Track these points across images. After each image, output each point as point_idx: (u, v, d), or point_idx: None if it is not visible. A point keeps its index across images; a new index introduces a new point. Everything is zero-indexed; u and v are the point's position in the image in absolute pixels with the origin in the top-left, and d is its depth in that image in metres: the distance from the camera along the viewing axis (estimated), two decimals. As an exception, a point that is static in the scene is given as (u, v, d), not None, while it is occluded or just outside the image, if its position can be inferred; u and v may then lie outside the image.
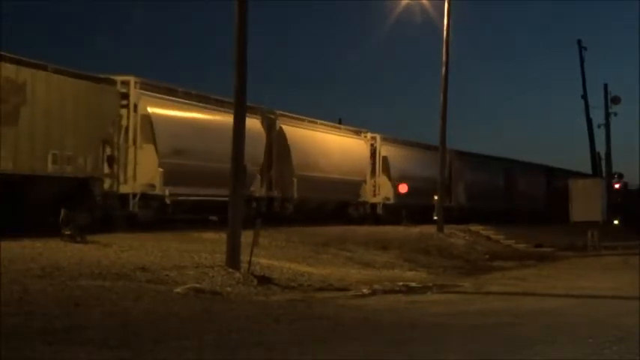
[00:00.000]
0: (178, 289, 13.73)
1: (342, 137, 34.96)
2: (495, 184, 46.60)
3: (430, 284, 18.26)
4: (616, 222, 47.02)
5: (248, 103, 28.64)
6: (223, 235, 17.44)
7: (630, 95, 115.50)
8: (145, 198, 23.12)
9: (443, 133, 33.39)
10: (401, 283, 17.84)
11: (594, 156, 56.20)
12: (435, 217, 33.63)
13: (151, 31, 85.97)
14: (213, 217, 25.82)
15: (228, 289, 14.68)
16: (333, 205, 34.10)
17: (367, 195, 35.63)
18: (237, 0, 16.86)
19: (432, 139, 39.52)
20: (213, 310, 12.05)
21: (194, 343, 9.14)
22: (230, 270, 15.97)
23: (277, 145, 29.96)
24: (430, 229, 32.08)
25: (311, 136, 32.49)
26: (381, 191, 36.27)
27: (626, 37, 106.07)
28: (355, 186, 34.77)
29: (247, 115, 27.93)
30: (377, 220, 34.95)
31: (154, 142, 23.33)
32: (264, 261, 17.95)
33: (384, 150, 36.84)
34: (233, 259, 16.32)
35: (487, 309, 13.63)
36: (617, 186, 54.70)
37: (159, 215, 23.83)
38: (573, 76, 70.93)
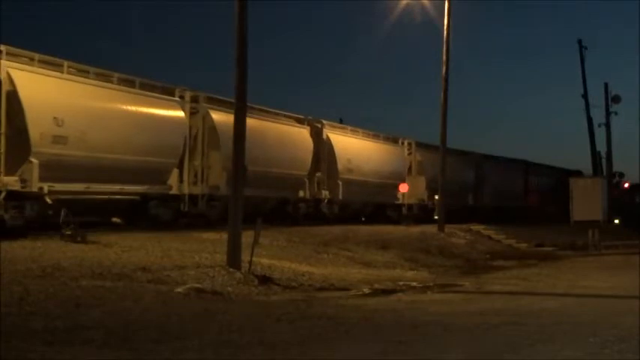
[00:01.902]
0: (179, 289, 13.73)
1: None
2: (464, 179, 43.87)
3: (431, 284, 18.27)
4: (617, 221, 47.01)
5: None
6: (224, 235, 17.44)
7: (630, 94, 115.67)
8: (15, 197, 18.74)
9: (443, 133, 33.39)
10: (402, 283, 17.85)
11: (595, 155, 56.14)
12: (436, 217, 33.65)
13: (150, 30, 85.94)
14: (117, 220, 23.89)
15: (229, 288, 14.69)
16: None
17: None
18: (238, 0, 16.87)
19: (432, 138, 39.71)
20: (214, 309, 12.05)
21: (195, 343, 9.14)
22: (231, 270, 15.98)
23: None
24: (431, 228, 32.10)
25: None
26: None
27: (626, 37, 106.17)
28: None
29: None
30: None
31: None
32: (265, 261, 17.95)
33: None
34: (234, 259, 16.33)
35: (488, 308, 13.62)
36: (626, 185, 54.89)
37: (37, 218, 19.47)
38: (573, 76, 70.93)
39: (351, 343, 9.72)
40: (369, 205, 36.16)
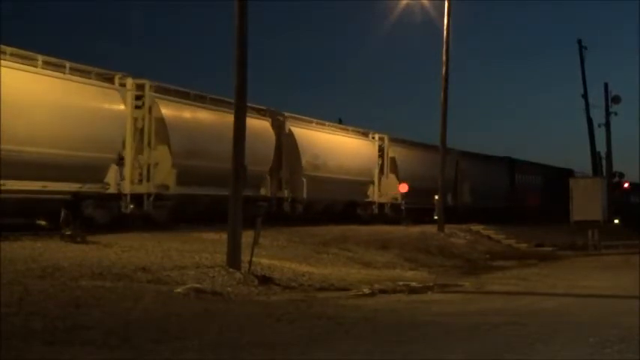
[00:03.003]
0: (179, 290, 13.73)
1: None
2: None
3: (431, 284, 18.26)
4: (616, 221, 47.01)
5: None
6: (224, 236, 17.44)
7: (630, 95, 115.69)
8: None
9: (443, 133, 33.40)
10: (402, 283, 17.84)
11: (594, 155, 56.14)
12: (436, 217, 33.65)
13: (150, 30, 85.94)
14: (42, 222, 20.65)
15: (229, 289, 14.68)
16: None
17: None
18: (238, 0, 16.87)
19: (432, 139, 39.32)
20: (214, 310, 12.04)
21: (195, 343, 9.14)
22: (231, 270, 15.97)
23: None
24: (431, 228, 32.10)
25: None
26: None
27: (626, 37, 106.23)
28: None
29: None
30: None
31: None
32: (265, 261, 17.95)
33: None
34: (234, 259, 16.33)
35: (488, 308, 13.63)
36: (626, 185, 54.84)
37: None
38: (573, 76, 70.91)
39: (351, 343, 9.72)
40: (338, 203, 33.65)
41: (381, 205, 36.09)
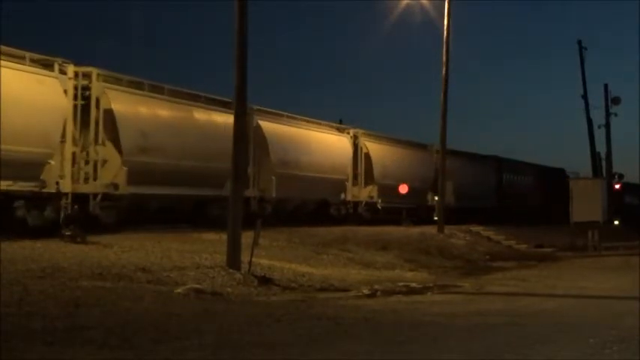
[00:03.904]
0: (179, 290, 13.73)
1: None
2: (421, 176, 38.91)
3: (431, 284, 18.27)
4: (616, 222, 47.04)
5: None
6: (224, 236, 17.45)
7: (630, 95, 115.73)
8: None
9: (443, 133, 33.41)
10: (401, 284, 17.85)
11: (594, 156, 56.14)
12: (436, 218, 33.66)
13: (150, 30, 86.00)
14: None
15: (229, 289, 14.69)
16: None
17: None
18: (238, 0, 16.88)
19: (432, 139, 39.03)
20: (214, 310, 12.05)
21: (194, 344, 9.13)
22: (230, 270, 15.98)
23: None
24: (431, 229, 32.10)
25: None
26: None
27: (626, 38, 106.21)
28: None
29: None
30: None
31: None
32: (264, 261, 17.95)
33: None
34: (233, 260, 16.34)
35: (487, 309, 13.63)
36: (617, 186, 54.69)
37: None
38: (573, 77, 70.93)
39: (351, 344, 9.72)
40: (310, 203, 31.55)
41: (356, 204, 34.18)
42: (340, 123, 37.11)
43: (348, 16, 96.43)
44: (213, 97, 26.34)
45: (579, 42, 55.86)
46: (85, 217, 20.50)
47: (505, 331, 10.92)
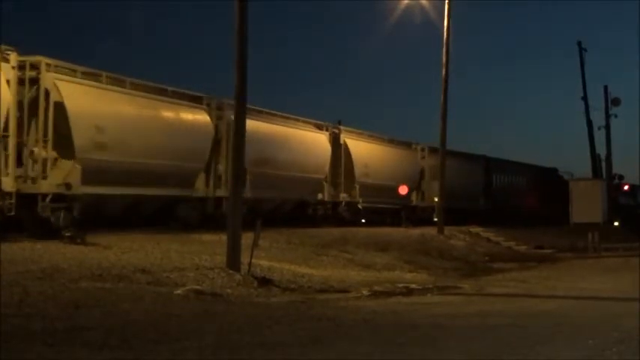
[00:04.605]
0: (178, 291, 13.73)
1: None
2: (404, 175, 37.18)
3: (430, 286, 18.28)
4: (616, 223, 47.04)
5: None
6: (223, 237, 17.44)
7: (630, 97, 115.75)
8: None
9: (443, 134, 33.42)
10: (401, 285, 17.86)
11: (594, 157, 56.15)
12: (436, 219, 33.65)
13: (149, 30, 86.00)
14: None
15: (229, 290, 14.69)
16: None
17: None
18: (238, 1, 16.88)
19: (432, 139, 38.63)
20: (214, 311, 12.04)
21: (194, 344, 9.13)
22: (230, 271, 15.98)
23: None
24: (430, 230, 32.12)
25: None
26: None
27: (626, 39, 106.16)
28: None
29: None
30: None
31: None
32: (264, 262, 17.95)
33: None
34: (233, 261, 16.34)
35: (487, 310, 13.63)
36: (626, 187, 54.70)
37: None
38: (573, 78, 70.94)
39: (350, 345, 9.72)
40: (287, 203, 29.99)
41: (335, 205, 32.65)
42: (339, 123, 36.84)
43: (348, 17, 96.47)
44: (181, 91, 25.07)
45: (579, 43, 55.91)
46: (33, 219, 19.12)
47: (505, 332, 10.92)
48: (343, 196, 32.85)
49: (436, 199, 34.81)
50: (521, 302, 15.64)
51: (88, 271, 14.36)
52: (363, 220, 34.08)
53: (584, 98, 55.41)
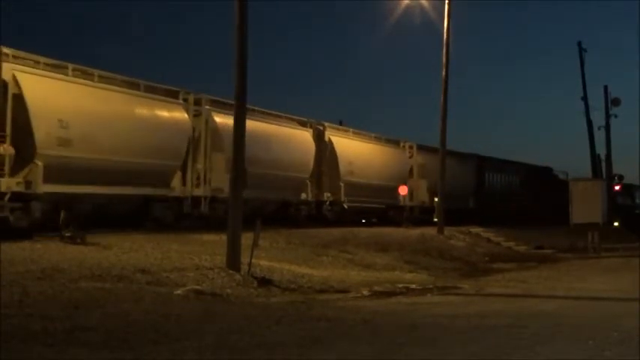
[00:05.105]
0: (178, 291, 13.73)
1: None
2: (390, 174, 36.08)
3: (430, 286, 18.27)
4: (616, 224, 47.01)
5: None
6: (224, 237, 17.44)
7: (630, 97, 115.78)
8: None
9: (443, 135, 33.41)
10: (401, 285, 17.86)
11: (594, 157, 56.16)
12: (436, 219, 33.62)
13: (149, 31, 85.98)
14: None
15: (229, 290, 14.68)
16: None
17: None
18: (238, 0, 16.88)
19: (432, 140, 38.54)
20: (214, 311, 12.04)
21: (194, 345, 9.13)
22: (230, 272, 15.98)
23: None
24: (430, 230, 32.11)
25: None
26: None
27: (626, 39, 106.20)
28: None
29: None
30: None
31: None
32: (264, 263, 17.95)
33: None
34: (233, 261, 16.34)
35: (487, 310, 13.62)
36: (617, 187, 54.66)
37: None
38: (573, 78, 70.92)
39: (350, 345, 9.72)
40: (270, 203, 28.57)
41: (319, 204, 31.49)
42: (340, 124, 36.70)
43: (348, 17, 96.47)
44: (156, 85, 23.80)
45: (579, 43, 55.95)
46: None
47: (505, 332, 10.91)
48: (327, 196, 31.78)
49: (436, 199, 34.75)
50: (521, 302, 15.63)
51: (88, 271, 14.36)
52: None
53: (584, 98, 55.44)
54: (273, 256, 19.94)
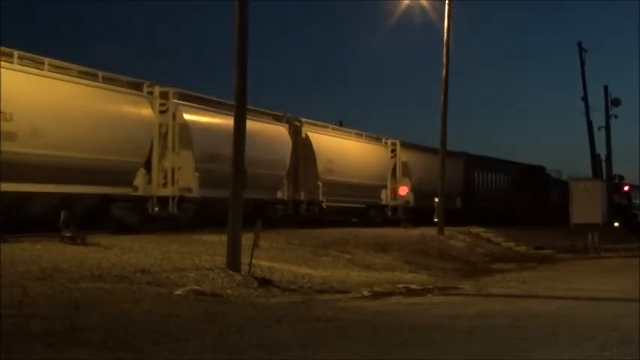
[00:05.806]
0: (178, 292, 13.72)
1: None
2: (371, 172, 35.12)
3: (430, 286, 18.28)
4: (616, 224, 47.03)
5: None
6: (224, 237, 17.44)
7: (630, 97, 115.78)
8: None
9: (443, 135, 33.41)
10: (401, 285, 17.86)
11: (594, 158, 56.20)
12: (436, 219, 33.60)
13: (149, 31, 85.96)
14: None
15: (229, 291, 14.68)
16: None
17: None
18: (238, 0, 16.87)
19: (432, 141, 38.36)
20: (214, 311, 12.03)
21: (194, 345, 9.13)
22: (230, 272, 15.98)
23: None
24: (430, 231, 32.10)
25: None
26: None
27: (626, 39, 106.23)
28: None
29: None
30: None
31: None
32: (264, 263, 17.95)
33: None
34: (233, 261, 16.34)
35: (487, 311, 13.62)
36: (626, 188, 54.63)
37: None
38: (573, 78, 70.90)
39: (350, 346, 9.72)
40: (246, 203, 28.43)
41: (297, 204, 30.35)
42: (340, 124, 36.53)
43: (349, 17, 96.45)
44: (116, 76, 22.15)
45: (579, 43, 56.03)
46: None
47: (505, 332, 10.91)
48: (305, 195, 30.58)
49: (436, 200, 34.69)
50: (521, 303, 15.62)
51: (88, 272, 14.35)
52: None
53: (585, 98, 55.51)
54: (273, 256, 19.94)
